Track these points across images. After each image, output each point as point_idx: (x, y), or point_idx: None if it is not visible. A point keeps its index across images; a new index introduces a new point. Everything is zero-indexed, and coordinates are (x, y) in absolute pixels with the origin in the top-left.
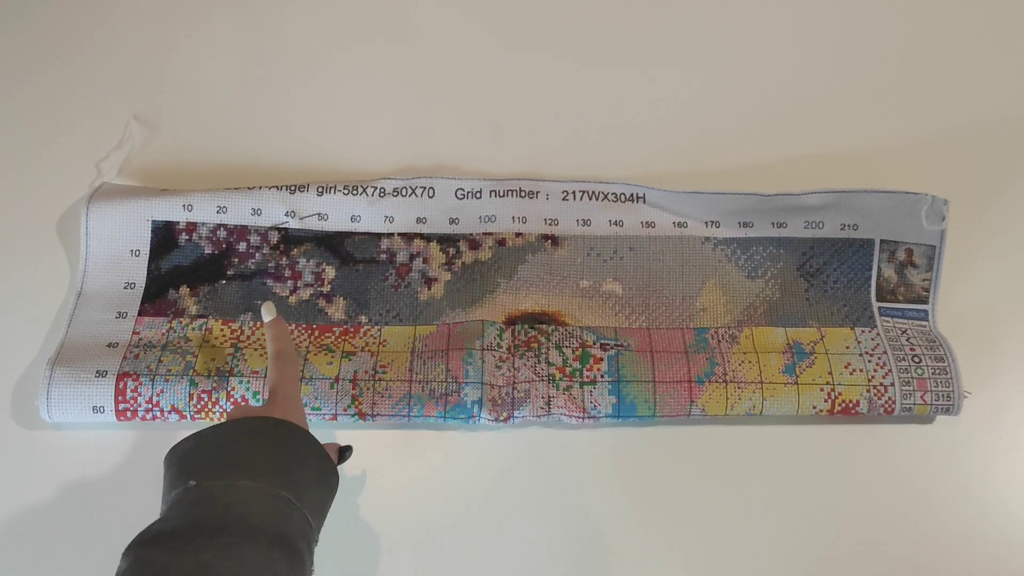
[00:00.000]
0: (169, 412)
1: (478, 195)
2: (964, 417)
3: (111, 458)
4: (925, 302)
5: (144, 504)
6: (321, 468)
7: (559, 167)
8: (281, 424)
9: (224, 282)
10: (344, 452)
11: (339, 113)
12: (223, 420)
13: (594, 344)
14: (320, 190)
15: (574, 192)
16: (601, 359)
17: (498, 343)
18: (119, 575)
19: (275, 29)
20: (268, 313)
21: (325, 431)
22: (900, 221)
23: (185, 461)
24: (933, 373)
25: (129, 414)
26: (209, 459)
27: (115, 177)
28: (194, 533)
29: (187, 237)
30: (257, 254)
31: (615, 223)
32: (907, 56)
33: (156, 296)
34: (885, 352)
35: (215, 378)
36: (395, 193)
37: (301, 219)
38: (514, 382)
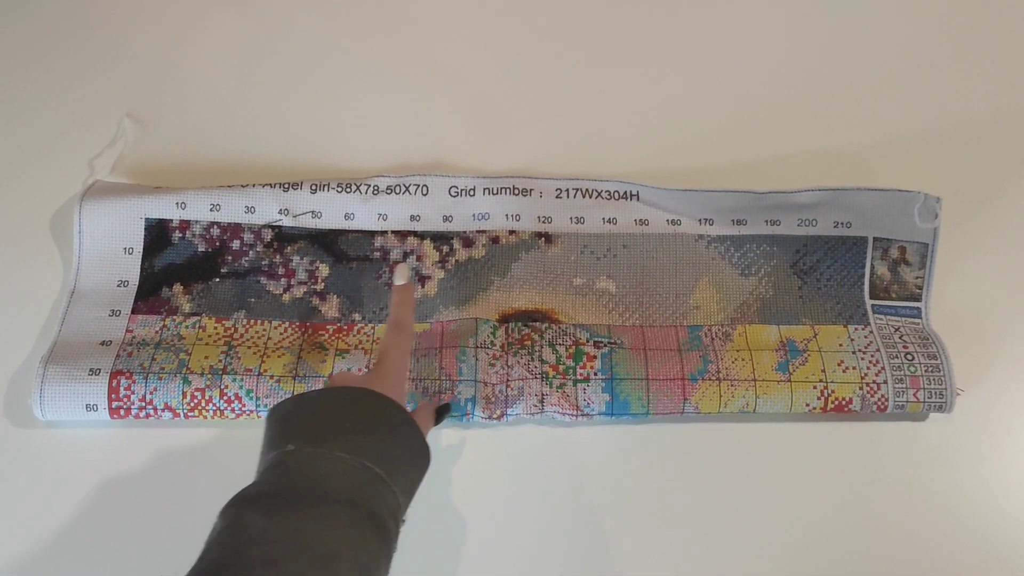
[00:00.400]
0: (162, 410)
1: (471, 193)
2: (957, 415)
3: (105, 456)
4: (918, 300)
5: (137, 501)
6: (415, 448)
7: (553, 165)
8: (380, 399)
9: (218, 280)
10: (441, 412)
11: (332, 111)
12: (322, 387)
13: (587, 342)
14: (313, 188)
15: (567, 190)
16: (594, 357)
17: (491, 341)
18: (215, 533)
19: (269, 27)
20: (400, 277)
21: None
22: (893, 219)
23: (285, 423)
24: (926, 371)
25: (122, 412)
26: (308, 425)
27: (108, 175)
28: (291, 498)
29: (180, 235)
30: (251, 252)
31: (608, 221)
32: (900, 54)
33: (149, 294)
34: (878, 350)
35: (208, 376)
36: (388, 191)
37: (295, 217)
38: (507, 380)
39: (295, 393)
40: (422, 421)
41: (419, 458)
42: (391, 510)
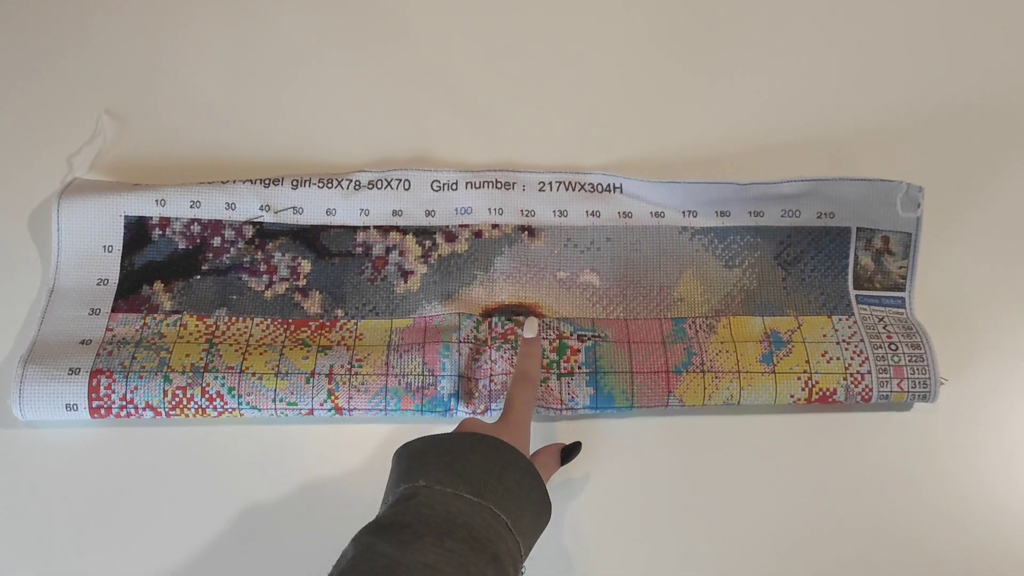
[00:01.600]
0: (143, 409)
1: (454, 187)
2: (941, 404)
3: (85, 456)
4: (902, 289)
5: (119, 501)
6: (537, 500)
7: (535, 158)
8: (508, 449)
9: (199, 277)
10: (569, 452)
11: (313, 106)
12: (450, 431)
13: (571, 335)
14: (295, 183)
15: (551, 183)
16: (578, 350)
17: (475, 335)
18: (345, 561)
19: (249, 21)
20: (530, 330)
21: (305, 426)
22: (876, 209)
23: (418, 460)
24: (910, 360)
25: (103, 411)
26: (441, 465)
27: (87, 172)
28: (422, 532)
29: (160, 232)
30: (232, 248)
31: (592, 214)
32: (880, 43)
33: (130, 292)
34: (862, 340)
35: (190, 374)
36: (370, 186)
37: (276, 213)
38: (491, 375)
39: (425, 435)
40: (545, 463)
41: (541, 511)
42: (512, 558)
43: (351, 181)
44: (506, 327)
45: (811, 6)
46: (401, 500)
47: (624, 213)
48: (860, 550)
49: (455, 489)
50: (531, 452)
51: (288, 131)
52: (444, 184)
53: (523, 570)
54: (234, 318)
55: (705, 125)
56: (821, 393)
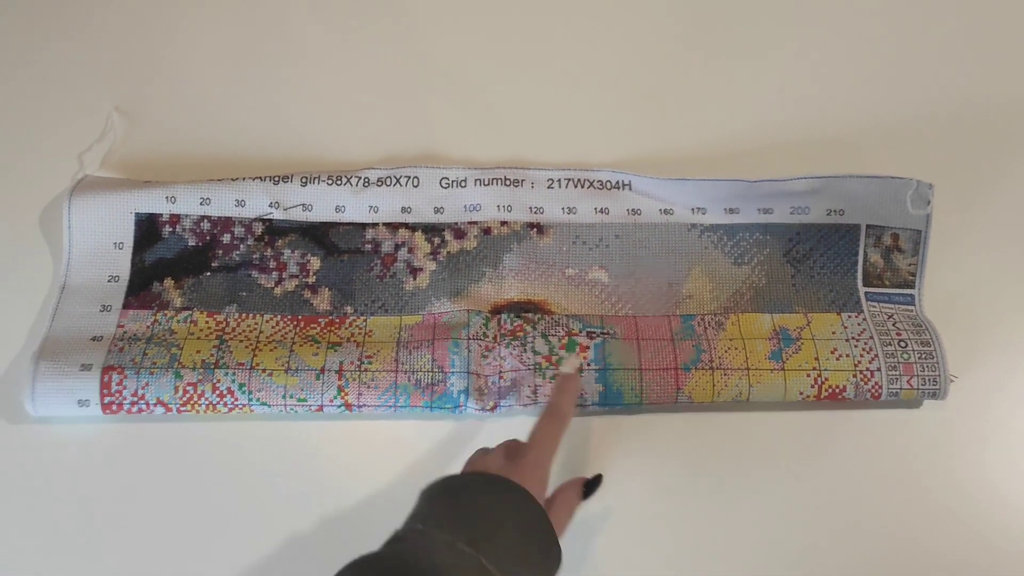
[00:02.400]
0: (155, 405)
1: (463, 184)
2: (951, 401)
3: (97, 451)
4: (911, 287)
5: (131, 496)
6: (543, 548)
7: (544, 155)
8: (517, 491)
9: (209, 274)
10: (591, 486)
11: (322, 103)
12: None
13: (580, 332)
14: (304, 181)
15: (559, 180)
16: (587, 347)
17: (484, 332)
18: None
19: (258, 18)
20: (569, 366)
21: (315, 422)
22: (885, 206)
23: (424, 501)
24: (919, 357)
25: (115, 407)
26: (442, 508)
27: (97, 169)
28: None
29: (171, 229)
30: (242, 245)
31: (601, 211)
32: (890, 40)
33: (140, 289)
34: (871, 337)
35: (200, 370)
36: (379, 183)
37: (285, 210)
38: (500, 371)
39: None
40: (567, 499)
41: (546, 558)
42: None
43: (360, 178)
44: (515, 324)
45: (821, 4)
46: (395, 541)
47: (633, 210)
48: (868, 547)
49: (450, 536)
50: (551, 486)
51: (297, 128)
52: (453, 181)
53: None
54: (244, 315)
55: (714, 122)
56: (830, 390)
